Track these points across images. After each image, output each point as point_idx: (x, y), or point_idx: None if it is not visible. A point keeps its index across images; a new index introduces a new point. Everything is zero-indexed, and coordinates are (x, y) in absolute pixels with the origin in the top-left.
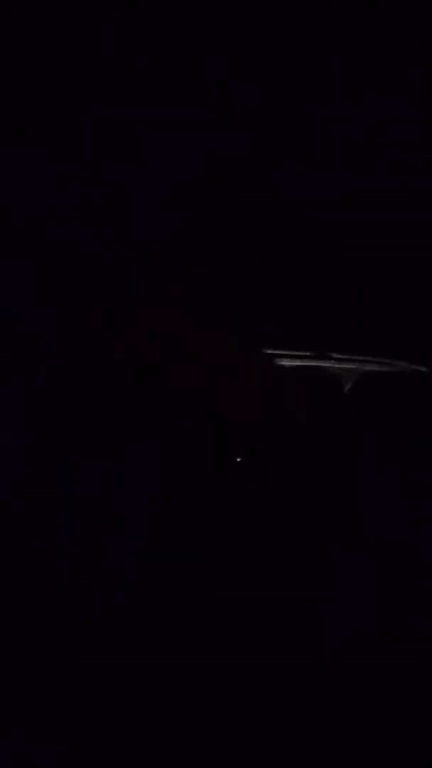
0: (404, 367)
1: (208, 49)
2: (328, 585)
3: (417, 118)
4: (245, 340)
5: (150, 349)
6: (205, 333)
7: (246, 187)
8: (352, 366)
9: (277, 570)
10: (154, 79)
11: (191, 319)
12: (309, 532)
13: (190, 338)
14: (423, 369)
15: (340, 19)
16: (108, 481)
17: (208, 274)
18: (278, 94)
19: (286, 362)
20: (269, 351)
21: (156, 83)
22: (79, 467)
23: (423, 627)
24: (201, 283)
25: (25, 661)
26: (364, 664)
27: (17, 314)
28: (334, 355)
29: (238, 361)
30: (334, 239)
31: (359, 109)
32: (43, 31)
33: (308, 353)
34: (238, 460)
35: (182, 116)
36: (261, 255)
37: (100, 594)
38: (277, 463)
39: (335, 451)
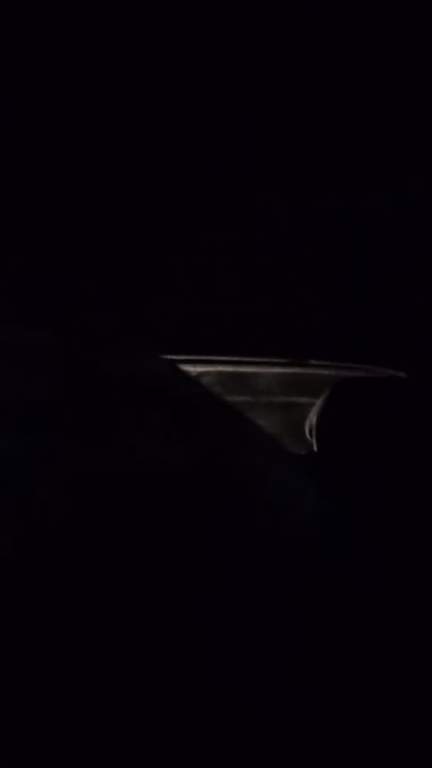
0: (381, 373)
1: None
2: None
3: None
4: None
5: None
6: None
7: None
8: (330, 372)
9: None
10: None
11: None
12: None
13: None
14: (401, 374)
15: None
16: None
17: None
18: None
19: (264, 369)
20: (246, 359)
21: None
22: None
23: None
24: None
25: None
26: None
27: None
28: (312, 362)
29: None
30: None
31: None
32: None
33: (286, 360)
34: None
35: None
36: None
37: None
38: None
39: None
